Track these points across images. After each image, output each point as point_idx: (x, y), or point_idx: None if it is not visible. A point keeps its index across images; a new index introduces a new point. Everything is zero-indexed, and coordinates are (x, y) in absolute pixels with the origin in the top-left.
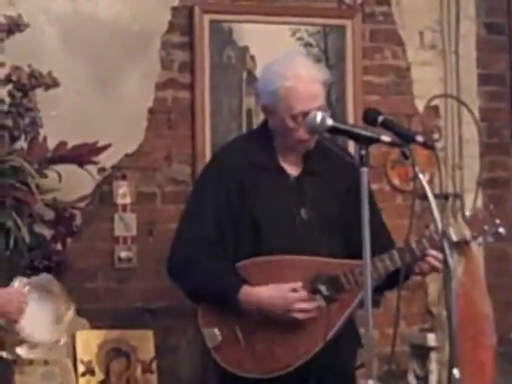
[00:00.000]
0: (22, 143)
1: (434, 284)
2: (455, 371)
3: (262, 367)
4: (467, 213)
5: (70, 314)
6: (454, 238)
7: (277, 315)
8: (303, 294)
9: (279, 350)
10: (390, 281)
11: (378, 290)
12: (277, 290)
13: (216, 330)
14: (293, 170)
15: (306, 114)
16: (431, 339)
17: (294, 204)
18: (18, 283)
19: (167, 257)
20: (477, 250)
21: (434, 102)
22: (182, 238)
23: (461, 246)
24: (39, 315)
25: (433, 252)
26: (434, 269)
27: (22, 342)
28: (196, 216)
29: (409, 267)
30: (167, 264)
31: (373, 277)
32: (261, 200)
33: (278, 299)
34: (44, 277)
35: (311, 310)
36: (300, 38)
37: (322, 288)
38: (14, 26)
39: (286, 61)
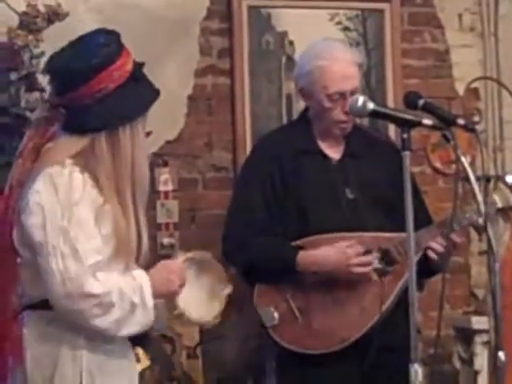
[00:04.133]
0: None
1: (477, 266)
2: (500, 354)
3: (320, 342)
4: (509, 179)
5: (227, 293)
6: (499, 204)
7: (336, 272)
8: (359, 248)
9: (336, 324)
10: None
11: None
12: (333, 248)
13: (272, 309)
14: (334, 154)
15: (341, 94)
16: (476, 322)
17: (339, 185)
18: (180, 257)
19: (221, 240)
20: None
21: (474, 85)
22: (234, 223)
23: (506, 212)
24: (195, 291)
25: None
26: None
27: (177, 317)
28: (245, 203)
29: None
30: (222, 249)
31: (420, 248)
32: (305, 184)
33: (335, 254)
34: (203, 253)
35: (369, 264)
36: (338, 23)
37: (374, 261)
38: (54, 15)
39: (321, 44)
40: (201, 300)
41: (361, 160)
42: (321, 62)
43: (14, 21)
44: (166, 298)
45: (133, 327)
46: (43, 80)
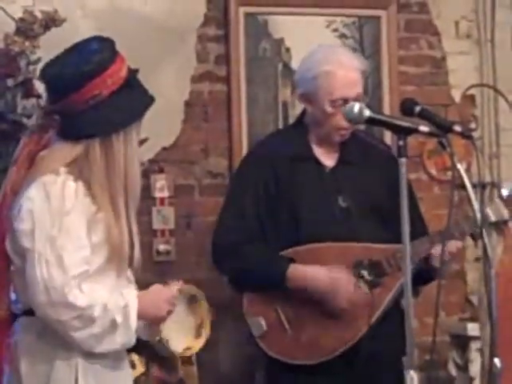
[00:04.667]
0: None
1: (472, 273)
2: (496, 361)
3: (308, 353)
4: (504, 192)
5: (208, 328)
6: (493, 218)
7: (322, 295)
8: (351, 279)
9: (325, 336)
10: (421, 277)
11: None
12: (325, 272)
13: (261, 319)
14: (328, 161)
15: (345, 100)
16: (471, 328)
17: (331, 192)
18: (174, 286)
19: (211, 245)
20: None
21: (471, 92)
22: (225, 227)
23: (499, 226)
24: (179, 323)
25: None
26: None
27: (158, 342)
28: (236, 207)
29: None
30: (212, 255)
31: (413, 260)
32: (298, 190)
33: (325, 281)
34: (196, 290)
35: (357, 301)
36: (335, 30)
37: (365, 273)
38: (50, 22)
39: (326, 49)
40: (179, 331)
41: (355, 167)
42: (326, 67)
43: (11, 27)
44: (151, 322)
45: (111, 345)
46: (40, 86)
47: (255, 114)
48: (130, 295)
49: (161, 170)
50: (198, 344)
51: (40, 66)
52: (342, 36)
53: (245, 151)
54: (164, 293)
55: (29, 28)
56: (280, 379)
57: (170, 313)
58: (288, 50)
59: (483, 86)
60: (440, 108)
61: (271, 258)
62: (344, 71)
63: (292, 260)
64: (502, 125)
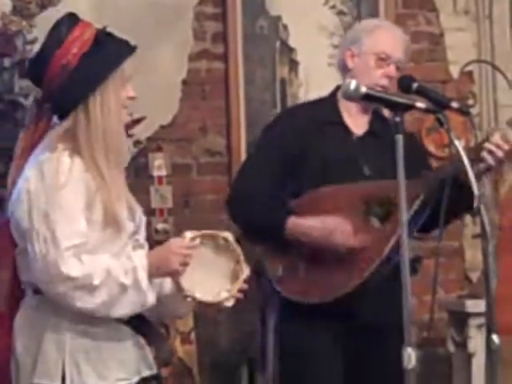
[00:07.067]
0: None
1: (471, 250)
2: (494, 337)
3: (323, 292)
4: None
5: (243, 276)
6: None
7: (319, 243)
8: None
9: (338, 273)
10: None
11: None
12: (321, 218)
13: (277, 264)
14: (357, 129)
15: (388, 56)
16: (470, 305)
17: (357, 160)
18: (188, 235)
19: (229, 191)
20: None
21: (469, 68)
22: (245, 175)
23: (510, 153)
24: (206, 271)
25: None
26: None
27: (184, 297)
28: (260, 160)
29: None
30: (227, 199)
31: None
32: (326, 152)
33: (318, 225)
34: (221, 232)
35: (363, 238)
36: (333, 7)
37: (376, 208)
38: (47, 1)
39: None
40: (211, 280)
41: (381, 140)
42: (381, 25)
43: (7, 6)
44: (166, 277)
45: (124, 308)
46: None
47: (253, 92)
48: (138, 256)
49: (159, 149)
50: (232, 289)
51: (37, 45)
52: (340, 13)
53: (243, 129)
54: (173, 245)
55: (25, 7)
56: (294, 322)
57: (184, 264)
58: (285, 27)
59: (481, 62)
60: (438, 85)
61: (273, 208)
62: (394, 34)
63: (291, 212)
64: (500, 101)
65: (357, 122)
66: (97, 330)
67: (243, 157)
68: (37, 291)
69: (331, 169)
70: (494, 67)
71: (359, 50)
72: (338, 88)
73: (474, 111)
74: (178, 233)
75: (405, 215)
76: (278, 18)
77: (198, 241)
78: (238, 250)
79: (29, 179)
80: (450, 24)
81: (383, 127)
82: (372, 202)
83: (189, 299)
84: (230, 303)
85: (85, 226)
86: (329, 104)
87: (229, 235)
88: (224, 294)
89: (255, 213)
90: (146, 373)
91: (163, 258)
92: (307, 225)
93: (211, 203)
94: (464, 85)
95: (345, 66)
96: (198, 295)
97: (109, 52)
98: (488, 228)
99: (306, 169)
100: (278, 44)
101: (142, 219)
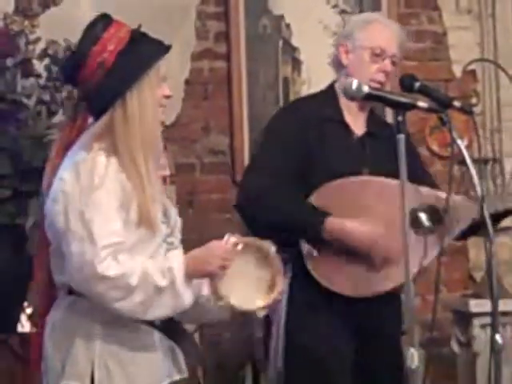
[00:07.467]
0: (59, 117)
1: (475, 249)
2: (498, 337)
3: (351, 286)
4: None
5: (279, 289)
6: None
7: (359, 249)
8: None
9: (374, 271)
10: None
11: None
12: (362, 224)
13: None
14: (357, 129)
15: (383, 51)
16: (474, 305)
17: (357, 161)
18: (228, 238)
19: (237, 192)
20: None
21: (472, 67)
22: (256, 168)
23: None
24: (243, 280)
25: None
26: None
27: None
28: (267, 157)
29: None
30: (238, 197)
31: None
32: (327, 150)
33: (361, 235)
34: (264, 243)
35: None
36: (335, 6)
37: (423, 217)
38: (49, 0)
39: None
40: (247, 289)
41: (379, 141)
42: (375, 19)
43: (10, 6)
44: (203, 278)
45: (160, 310)
46: (39, 66)
47: (256, 92)
48: (175, 256)
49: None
50: (267, 299)
51: (39, 45)
52: (343, 12)
53: (246, 129)
54: (216, 247)
55: (27, 7)
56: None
57: (223, 268)
58: (288, 26)
59: (484, 60)
60: (441, 84)
61: (305, 208)
62: (389, 29)
63: (327, 213)
64: (503, 100)
65: (356, 120)
66: (127, 333)
67: (246, 156)
68: (70, 292)
69: (331, 169)
70: (497, 66)
71: (353, 44)
72: (334, 82)
73: (477, 110)
74: (182, 232)
75: (405, 215)
76: (281, 17)
77: (240, 247)
78: (278, 263)
79: (64, 180)
80: (452, 23)
81: (380, 127)
82: (419, 209)
83: (221, 303)
84: (262, 313)
85: (121, 225)
86: (330, 100)
87: (272, 248)
88: (258, 303)
89: (283, 214)
90: (177, 377)
91: (202, 259)
92: (348, 228)
93: (215, 202)
94: (467, 83)
95: (339, 63)
96: (233, 301)
97: (144, 50)
98: (491, 229)
99: (310, 165)
100: (280, 43)
101: (177, 221)
